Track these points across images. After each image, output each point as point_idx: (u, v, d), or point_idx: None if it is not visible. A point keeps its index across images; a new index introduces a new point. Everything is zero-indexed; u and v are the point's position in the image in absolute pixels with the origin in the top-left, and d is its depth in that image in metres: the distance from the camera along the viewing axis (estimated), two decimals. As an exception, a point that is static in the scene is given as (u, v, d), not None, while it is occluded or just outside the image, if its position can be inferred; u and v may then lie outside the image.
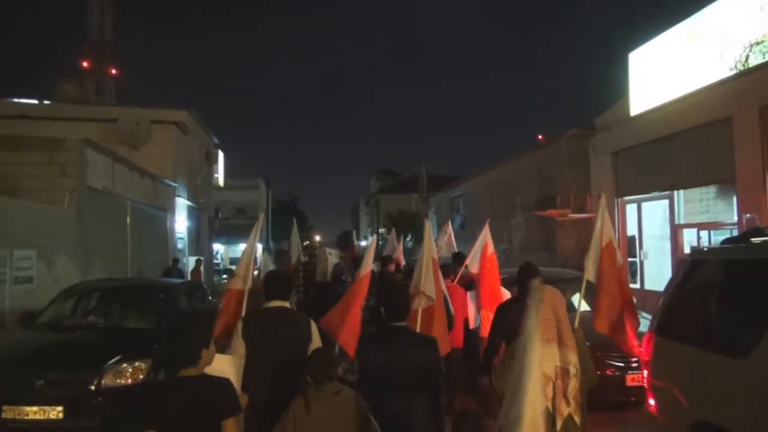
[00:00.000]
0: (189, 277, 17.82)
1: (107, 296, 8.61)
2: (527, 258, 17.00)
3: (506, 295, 7.38)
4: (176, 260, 17.10)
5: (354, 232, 17.50)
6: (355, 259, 10.61)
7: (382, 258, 10.54)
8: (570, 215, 15.17)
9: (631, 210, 13.70)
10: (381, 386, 3.71)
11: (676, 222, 11.99)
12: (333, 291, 8.15)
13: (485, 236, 7.20)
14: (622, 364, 7.24)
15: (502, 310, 5.18)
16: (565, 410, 3.23)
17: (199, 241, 23.57)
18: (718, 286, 4.29)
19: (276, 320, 4.30)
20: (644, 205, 13.26)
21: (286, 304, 4.46)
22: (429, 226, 5.73)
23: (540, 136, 23.23)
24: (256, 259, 6.88)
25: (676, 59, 11.52)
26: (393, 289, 4.61)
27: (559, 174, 16.00)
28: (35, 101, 20.36)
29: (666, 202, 12.31)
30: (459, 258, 8.67)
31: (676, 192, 11.94)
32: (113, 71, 66.00)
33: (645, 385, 4.95)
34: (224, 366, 3.52)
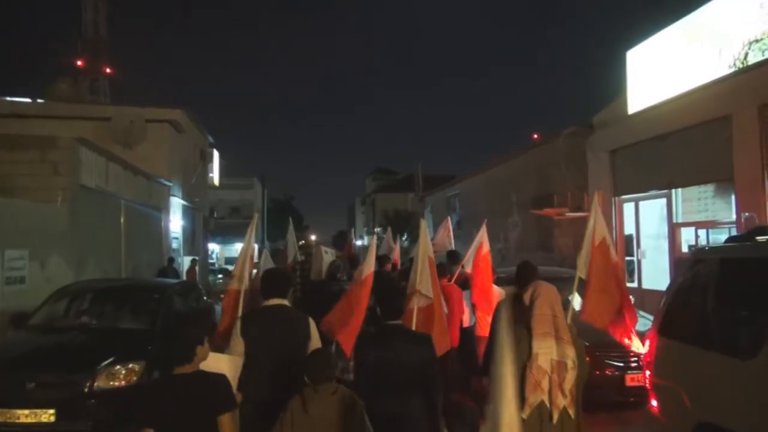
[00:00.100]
0: (184, 277, 17.73)
1: (100, 297, 8.47)
2: (524, 257, 16.94)
3: (499, 294, 7.35)
4: (171, 260, 17.00)
5: (352, 230, 17.50)
6: (351, 258, 10.52)
7: (378, 257, 10.47)
8: (567, 214, 15.11)
9: (628, 209, 13.64)
10: (377, 385, 3.73)
11: (674, 221, 11.94)
12: (328, 289, 8.14)
13: (482, 236, 7.12)
14: (621, 364, 7.19)
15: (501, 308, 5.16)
16: (561, 402, 3.29)
17: (194, 240, 23.45)
18: (722, 285, 4.22)
19: (274, 318, 4.30)
20: (642, 203, 13.20)
21: (285, 302, 4.45)
22: (424, 225, 5.73)
23: (535, 135, 23.19)
24: (253, 258, 6.88)
25: (674, 57, 11.46)
26: (388, 288, 4.63)
27: (556, 172, 15.94)
28: (29, 100, 20.20)
29: (663, 200, 12.25)
30: (454, 257, 8.63)
31: (673, 190, 11.89)
32: (108, 70, 65.87)
33: (647, 385, 4.87)
34: (220, 364, 3.53)
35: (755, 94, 9.41)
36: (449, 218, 11.55)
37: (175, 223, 20.06)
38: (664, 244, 12.32)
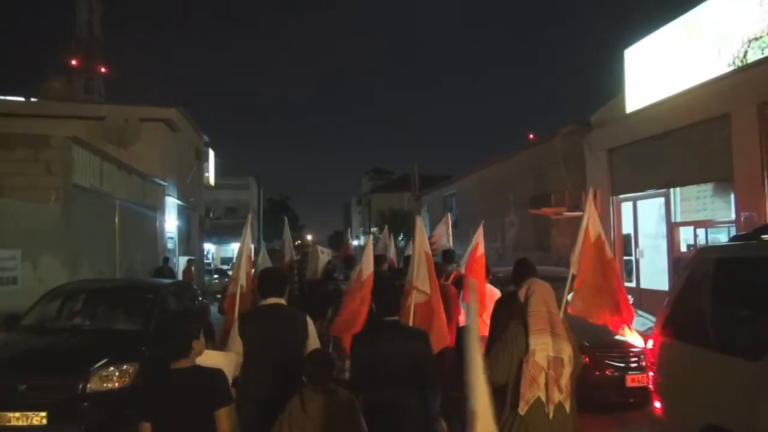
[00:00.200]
0: (180, 278, 17.62)
1: (94, 297, 8.36)
2: (521, 256, 16.91)
3: (494, 293, 7.30)
4: (166, 259, 16.90)
5: (349, 229, 17.43)
6: (348, 259, 10.45)
7: (374, 257, 10.41)
8: (565, 213, 15.03)
9: (626, 208, 13.57)
10: (372, 380, 3.76)
11: (672, 220, 11.87)
12: (324, 288, 8.11)
13: (478, 237, 7.08)
14: (622, 365, 7.13)
15: (500, 306, 5.25)
16: (557, 397, 3.33)
17: (189, 240, 23.33)
18: (727, 285, 4.14)
19: (272, 317, 4.32)
20: (640, 203, 13.13)
21: (282, 301, 4.46)
22: (420, 222, 5.70)
23: (531, 135, 23.13)
24: (251, 257, 6.87)
25: (672, 55, 11.39)
26: (383, 284, 4.63)
27: (553, 172, 15.87)
28: (21, 98, 20.05)
29: (662, 200, 12.19)
30: (449, 255, 8.59)
31: (672, 190, 11.81)
32: (102, 69, 65.58)
33: (650, 387, 4.79)
34: (215, 360, 3.52)
35: (755, 93, 9.34)
36: (449, 215, 11.47)
37: (171, 223, 19.94)
38: (663, 244, 12.26)
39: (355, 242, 49.12)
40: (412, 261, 5.35)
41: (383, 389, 3.74)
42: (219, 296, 14.37)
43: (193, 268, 19.59)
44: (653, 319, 8.51)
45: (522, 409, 3.35)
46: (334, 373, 4.20)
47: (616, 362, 7.17)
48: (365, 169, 75.24)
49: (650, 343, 4.91)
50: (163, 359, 3.17)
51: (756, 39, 9.42)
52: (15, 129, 12.84)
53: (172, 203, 20.22)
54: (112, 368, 6.32)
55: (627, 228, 13.57)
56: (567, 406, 3.40)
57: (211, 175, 28.37)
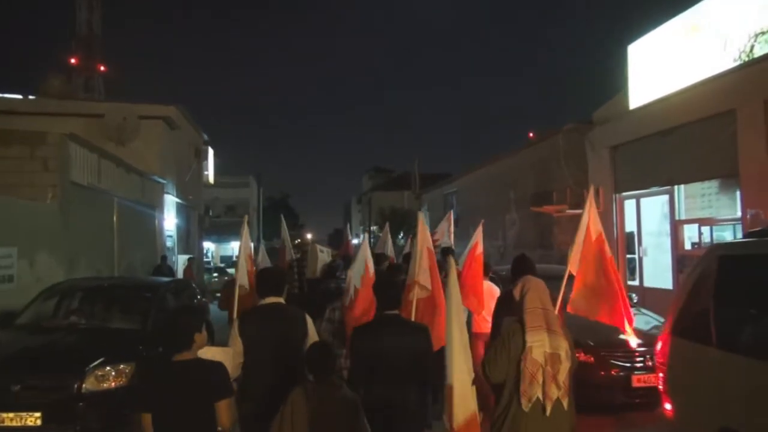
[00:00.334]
0: (179, 276, 17.51)
1: (91, 296, 8.26)
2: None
3: (493, 290, 7.24)
4: (164, 258, 16.77)
5: (348, 225, 17.27)
6: (347, 257, 10.34)
7: (375, 255, 10.36)
8: (567, 211, 14.91)
9: (629, 206, 13.43)
10: (373, 373, 3.78)
11: (677, 218, 11.73)
12: (325, 287, 8.03)
13: (477, 236, 6.99)
14: (628, 365, 7.00)
15: (501, 304, 5.25)
16: (554, 394, 3.33)
17: (188, 239, 23.21)
18: (744, 283, 4.00)
19: (271, 316, 4.35)
20: (643, 200, 12.99)
21: (281, 300, 4.50)
22: (423, 218, 5.71)
23: (531, 134, 22.99)
24: (252, 257, 6.85)
25: (676, 51, 11.26)
26: (384, 279, 4.66)
27: (555, 169, 15.75)
28: (19, 96, 19.91)
29: (666, 197, 12.05)
30: (447, 253, 8.48)
31: (676, 187, 11.67)
32: (102, 68, 65.49)
33: (660, 388, 4.66)
34: (217, 356, 3.56)
35: (761, 88, 9.20)
36: (451, 213, 11.36)
37: (170, 221, 19.83)
38: (666, 242, 12.12)
39: (355, 240, 49.06)
40: (414, 256, 5.34)
41: (383, 383, 3.74)
42: (218, 294, 14.27)
43: (193, 267, 19.47)
44: (657, 317, 8.44)
45: (525, 406, 3.35)
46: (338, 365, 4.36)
47: (622, 362, 7.04)
48: (362, 169, 75.15)
49: (659, 344, 4.78)
50: (165, 352, 3.21)
51: (762, 33, 9.29)
52: (13, 127, 12.73)
53: (171, 201, 20.11)
54: (108, 368, 6.21)
55: (630, 226, 13.43)
56: (565, 403, 3.40)
57: (210, 174, 28.26)
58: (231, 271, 19.86)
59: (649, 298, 11.30)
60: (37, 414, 5.73)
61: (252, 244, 8.85)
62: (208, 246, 38.40)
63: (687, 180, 11.38)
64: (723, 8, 10.19)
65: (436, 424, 4.26)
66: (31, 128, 12.21)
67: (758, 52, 9.38)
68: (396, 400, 3.71)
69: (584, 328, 6.18)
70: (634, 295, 9.95)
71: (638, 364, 7.01)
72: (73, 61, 63.09)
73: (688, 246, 11.50)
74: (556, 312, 4.45)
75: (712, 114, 10.21)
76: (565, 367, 3.38)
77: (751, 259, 4.06)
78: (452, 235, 10.30)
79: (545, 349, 3.36)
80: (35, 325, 7.45)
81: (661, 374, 4.63)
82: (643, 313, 8.74)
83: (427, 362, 3.83)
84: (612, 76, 13.84)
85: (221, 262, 39.39)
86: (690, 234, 11.50)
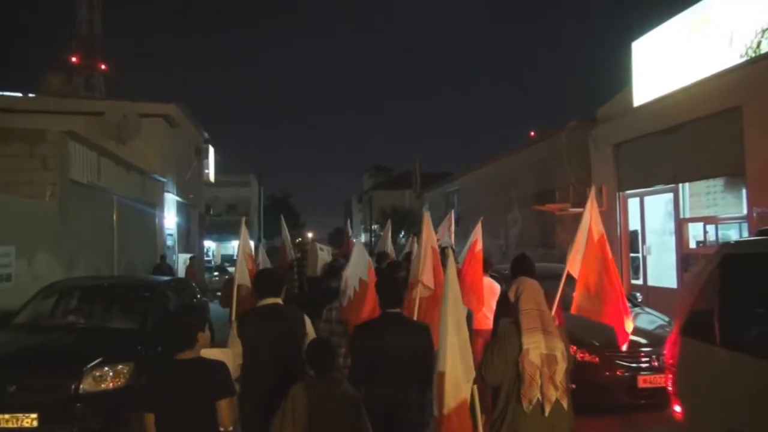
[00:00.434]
0: (180, 275, 17.44)
1: (89, 295, 8.17)
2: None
3: (494, 287, 7.20)
4: (164, 257, 16.68)
5: (348, 221, 17.09)
6: (347, 257, 10.27)
7: (377, 254, 10.34)
8: (570, 210, 14.80)
9: (633, 204, 13.31)
10: (374, 372, 3.79)
11: (681, 216, 11.62)
12: (326, 286, 7.98)
13: (476, 233, 6.91)
14: (633, 365, 6.90)
15: (502, 304, 5.12)
16: (553, 395, 3.35)
17: (189, 237, 23.13)
18: (756, 282, 3.89)
19: (270, 317, 4.37)
20: (647, 198, 12.87)
21: (279, 300, 4.53)
22: (428, 217, 5.74)
23: (532, 133, 22.87)
24: (252, 257, 6.86)
25: (681, 47, 11.13)
26: (386, 277, 4.66)
27: (558, 168, 15.64)
28: (19, 94, 19.83)
29: (670, 195, 11.93)
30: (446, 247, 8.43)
31: (681, 185, 11.55)
32: (102, 66, 65.46)
33: (669, 389, 4.55)
34: (217, 356, 3.55)
35: None
36: (452, 212, 11.28)
37: (170, 220, 19.75)
38: (671, 240, 12.01)
39: (355, 239, 48.88)
40: (417, 255, 5.34)
41: (384, 382, 3.75)
42: (219, 293, 14.17)
43: (195, 266, 19.40)
44: (662, 316, 8.33)
45: (527, 408, 3.35)
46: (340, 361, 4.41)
47: (627, 362, 6.93)
48: (363, 168, 75.02)
49: (668, 345, 4.67)
50: (165, 351, 3.25)
51: (769, 29, 9.17)
52: (12, 124, 12.65)
53: (171, 200, 20.03)
54: (106, 368, 6.13)
55: (634, 224, 13.32)
56: (564, 403, 3.41)
57: (211, 172, 28.18)
58: (232, 269, 19.82)
59: (653, 298, 11.19)
60: (34, 415, 5.65)
61: (252, 243, 8.79)
62: (209, 245, 38.36)
63: (692, 178, 11.26)
64: (729, 3, 10.08)
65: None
66: (31, 126, 12.14)
67: (765, 48, 9.25)
68: (397, 398, 3.71)
69: (589, 328, 6.10)
70: (638, 294, 9.86)
71: (644, 365, 6.91)
72: (74, 59, 63.09)
73: (692, 245, 11.39)
74: (554, 312, 4.51)
75: (717, 111, 10.09)
76: (561, 367, 3.39)
77: (763, 257, 3.96)
78: (453, 235, 10.22)
79: (541, 351, 3.37)
80: (33, 324, 7.37)
81: (670, 375, 4.52)
82: (648, 313, 8.63)
83: (429, 361, 3.77)
84: (615, 73, 13.76)
85: (222, 260, 39.31)
86: (695, 232, 11.39)
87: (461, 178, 26.85)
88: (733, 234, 10.41)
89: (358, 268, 5.46)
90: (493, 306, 5.64)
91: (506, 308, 4.59)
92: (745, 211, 9.82)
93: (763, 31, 9.23)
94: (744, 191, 9.84)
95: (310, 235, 52.55)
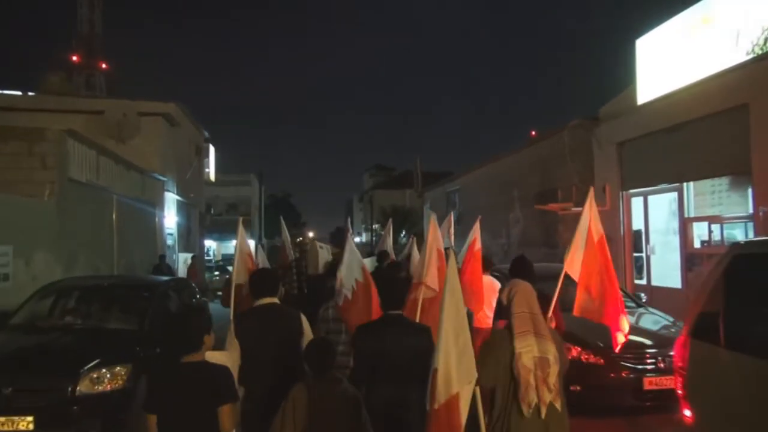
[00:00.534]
0: (180, 275, 17.36)
1: (87, 295, 8.03)
2: (526, 253, 16.62)
3: (494, 285, 7.11)
4: (163, 257, 16.57)
5: (349, 219, 16.98)
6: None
7: (378, 253, 10.30)
8: (572, 209, 14.67)
9: (636, 203, 13.20)
10: (375, 373, 3.81)
11: (686, 215, 11.51)
12: (330, 284, 7.92)
13: (475, 232, 6.83)
14: (639, 367, 6.80)
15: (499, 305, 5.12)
16: (547, 397, 3.35)
17: (189, 237, 23.05)
18: (764, 283, 3.78)
19: (266, 317, 4.39)
20: (651, 197, 12.75)
21: (275, 300, 4.58)
22: (434, 219, 5.67)
23: (533, 132, 22.75)
24: (252, 256, 6.86)
25: (687, 45, 11.01)
26: (388, 279, 4.67)
27: (560, 167, 15.52)
28: (19, 92, 19.76)
29: (674, 194, 11.82)
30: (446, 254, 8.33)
31: (685, 184, 11.44)
32: (103, 65, 65.45)
33: (679, 393, 4.44)
34: (220, 360, 3.56)
35: (774, 83, 8.98)
36: (452, 214, 11.19)
37: (170, 219, 19.67)
38: (675, 240, 11.90)
39: (356, 239, 48.93)
40: (422, 257, 5.29)
41: (386, 382, 3.77)
42: (219, 293, 14.05)
43: (197, 265, 19.32)
44: (666, 316, 8.23)
45: (527, 412, 3.36)
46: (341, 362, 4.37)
47: (633, 364, 6.83)
48: (366, 167, 74.94)
49: (678, 347, 4.56)
50: (168, 353, 3.21)
51: (776, 26, 9.04)
52: (12, 123, 12.58)
53: (171, 199, 19.95)
54: (103, 370, 6.02)
55: (637, 224, 13.20)
56: (558, 405, 3.42)
57: (211, 171, 28.10)
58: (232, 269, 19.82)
59: (657, 298, 11.09)
60: (30, 418, 5.55)
61: (253, 243, 8.72)
62: (210, 244, 38.28)
63: (697, 177, 11.15)
64: (735, 0, 9.95)
65: None
66: (30, 125, 12.06)
67: (771, 46, 9.14)
68: (398, 399, 3.72)
69: (593, 329, 6.01)
70: (642, 294, 9.75)
71: (650, 366, 6.80)
72: (74, 58, 63.08)
73: (697, 244, 11.28)
74: (551, 313, 4.69)
75: (723, 109, 9.97)
76: (554, 370, 3.41)
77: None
78: (452, 237, 10.13)
79: (534, 354, 3.39)
80: (30, 325, 7.27)
81: (680, 379, 4.41)
82: (652, 313, 8.53)
83: (429, 362, 3.67)
84: (618, 71, 13.63)
85: (223, 260, 39.23)
86: (699, 232, 11.27)
87: (462, 178, 26.74)
88: (738, 233, 10.30)
89: (353, 268, 5.40)
90: (494, 304, 5.58)
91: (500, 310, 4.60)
92: (751, 211, 9.71)
93: (770, 28, 9.11)
94: (750, 190, 9.73)
95: (311, 234, 52.53)
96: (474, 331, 6.61)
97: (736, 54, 9.72)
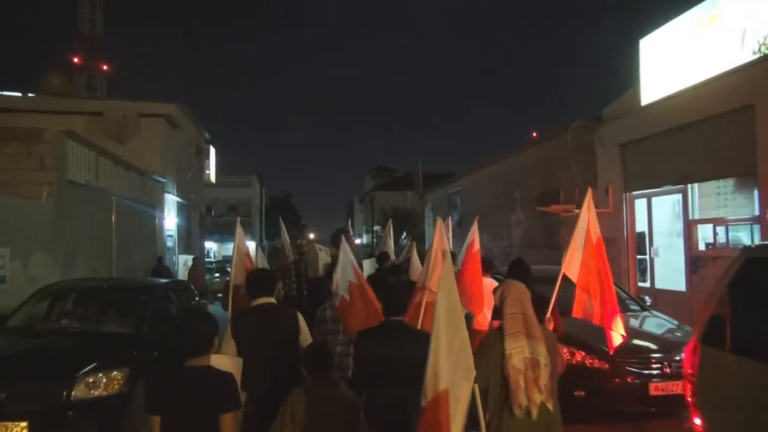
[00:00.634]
0: (186, 278, 17.27)
1: (85, 297, 7.93)
2: (529, 255, 16.56)
3: (494, 286, 6.98)
4: (161, 258, 16.45)
5: (349, 221, 16.89)
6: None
7: (378, 255, 10.25)
8: (575, 211, 14.55)
9: (640, 205, 13.07)
10: (376, 378, 3.83)
11: (690, 217, 11.38)
12: (327, 285, 7.90)
13: (473, 234, 6.75)
14: (645, 372, 6.67)
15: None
16: (538, 398, 3.35)
17: (189, 238, 22.94)
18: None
19: (263, 316, 4.45)
20: (654, 199, 12.62)
21: (272, 300, 4.63)
22: (440, 223, 5.60)
23: (534, 134, 22.61)
24: (250, 257, 6.90)
25: (691, 44, 10.89)
26: (389, 285, 4.66)
27: (562, 168, 15.41)
28: (19, 94, 19.69)
29: (678, 196, 11.69)
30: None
31: (690, 185, 11.32)
32: (105, 67, 65.36)
33: (689, 401, 4.32)
34: (225, 365, 3.52)
35: (781, 82, 8.86)
36: (450, 217, 11.10)
37: (170, 221, 19.57)
38: (678, 242, 11.78)
39: (357, 240, 48.83)
40: (427, 261, 5.26)
41: (387, 387, 3.78)
42: (219, 295, 13.96)
43: (198, 267, 19.23)
44: (671, 320, 8.11)
45: (518, 413, 3.36)
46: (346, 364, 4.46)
47: (638, 369, 6.70)
48: (368, 168, 74.79)
49: (686, 353, 4.44)
50: (178, 354, 3.19)
51: (783, 25, 8.92)
52: (13, 124, 12.49)
53: (171, 200, 19.85)
54: (100, 374, 5.92)
55: (641, 226, 13.07)
56: (550, 406, 3.42)
57: (212, 173, 28.00)
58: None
59: (661, 301, 10.97)
60: (24, 424, 5.43)
61: (254, 244, 8.69)
62: (210, 246, 38.18)
63: (701, 178, 11.02)
64: None
65: None
66: (30, 126, 11.97)
67: (778, 45, 9.03)
68: (397, 403, 3.72)
69: (598, 333, 5.87)
70: (647, 297, 9.63)
71: (655, 371, 6.68)
72: (75, 60, 63.00)
73: (702, 247, 11.15)
74: (549, 314, 4.68)
75: (728, 109, 9.85)
76: (544, 372, 3.40)
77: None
78: (451, 241, 10.05)
79: (525, 355, 3.39)
80: (25, 328, 7.17)
81: (689, 386, 4.29)
82: (657, 316, 8.40)
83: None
84: (621, 72, 13.52)
85: (223, 260, 39.14)
86: (704, 234, 11.14)
87: (464, 179, 26.61)
88: (744, 236, 10.18)
89: (347, 269, 5.46)
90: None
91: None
92: (756, 213, 9.59)
93: (777, 28, 9.00)
94: (756, 192, 9.60)
95: (312, 236, 52.41)
96: (474, 333, 6.52)
97: (742, 54, 9.60)
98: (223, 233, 37.41)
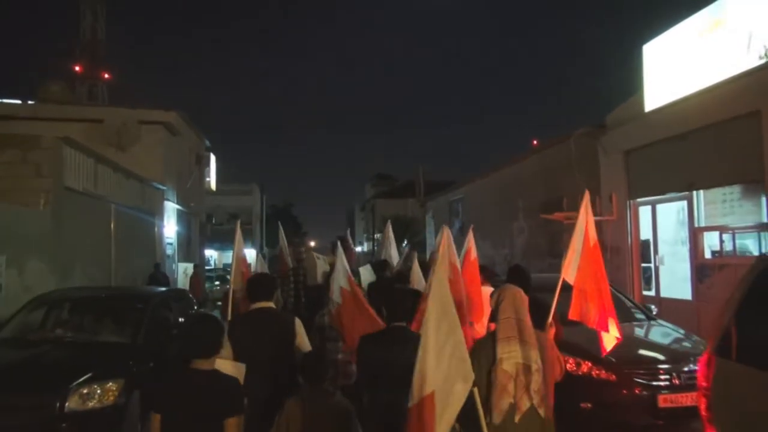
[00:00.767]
0: (187, 286, 17.10)
1: (79, 306, 7.81)
2: (531, 263, 16.40)
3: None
4: (158, 266, 16.26)
5: (348, 231, 16.74)
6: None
7: (377, 262, 10.05)
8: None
9: (644, 212, 12.92)
10: (377, 382, 3.88)
11: (696, 225, 11.23)
12: (325, 293, 7.83)
13: (469, 242, 6.64)
14: (653, 383, 6.49)
15: None
16: (525, 405, 3.33)
17: (189, 246, 22.80)
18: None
19: (260, 320, 4.52)
20: (659, 206, 12.48)
21: (271, 304, 4.69)
22: (448, 231, 5.59)
23: (534, 141, 22.51)
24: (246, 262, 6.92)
25: (696, 50, 10.77)
26: (393, 291, 4.64)
27: (565, 175, 15.27)
28: (18, 101, 19.62)
29: (683, 203, 11.55)
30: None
31: (695, 192, 11.17)
32: (106, 75, 65.44)
33: (703, 415, 4.16)
34: (229, 370, 3.52)
35: (788, 88, 8.73)
36: (445, 227, 10.91)
37: (170, 229, 19.44)
38: (684, 250, 11.62)
39: (358, 248, 48.61)
40: (433, 269, 5.07)
41: (386, 391, 3.79)
42: (219, 303, 13.79)
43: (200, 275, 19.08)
44: (677, 329, 7.93)
45: (497, 418, 3.34)
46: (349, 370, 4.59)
47: (646, 380, 6.52)
48: (368, 177, 74.58)
49: (700, 365, 4.28)
50: (186, 357, 3.17)
51: (790, 30, 8.80)
52: (12, 132, 12.36)
53: (171, 208, 19.74)
54: (94, 385, 5.78)
55: (645, 233, 12.91)
56: (541, 412, 3.39)
57: (212, 180, 27.91)
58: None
59: (666, 309, 10.79)
60: (16, 437, 5.30)
61: (254, 251, 8.62)
62: (211, 254, 38.05)
63: (707, 185, 10.87)
64: (746, 4, 9.70)
65: None
66: (29, 133, 11.86)
67: (785, 50, 8.91)
68: (396, 406, 3.59)
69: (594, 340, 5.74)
70: (653, 306, 9.45)
71: (664, 383, 6.50)
72: (77, 68, 63.09)
73: (708, 254, 10.99)
74: (550, 319, 4.66)
75: (734, 115, 9.71)
76: (536, 378, 3.37)
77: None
78: (453, 248, 9.89)
79: (517, 360, 3.36)
80: (19, 338, 7.02)
81: (703, 399, 4.13)
82: (663, 325, 8.23)
83: None
84: (625, 78, 13.40)
85: (223, 268, 38.98)
86: (710, 242, 10.99)
87: (465, 187, 26.48)
88: (750, 244, 10.03)
89: (340, 276, 5.65)
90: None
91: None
92: (764, 220, 9.46)
93: (784, 33, 8.88)
94: (763, 199, 9.47)
95: (312, 243, 52.27)
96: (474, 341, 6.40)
97: (748, 59, 9.48)
98: (224, 241, 37.26)
